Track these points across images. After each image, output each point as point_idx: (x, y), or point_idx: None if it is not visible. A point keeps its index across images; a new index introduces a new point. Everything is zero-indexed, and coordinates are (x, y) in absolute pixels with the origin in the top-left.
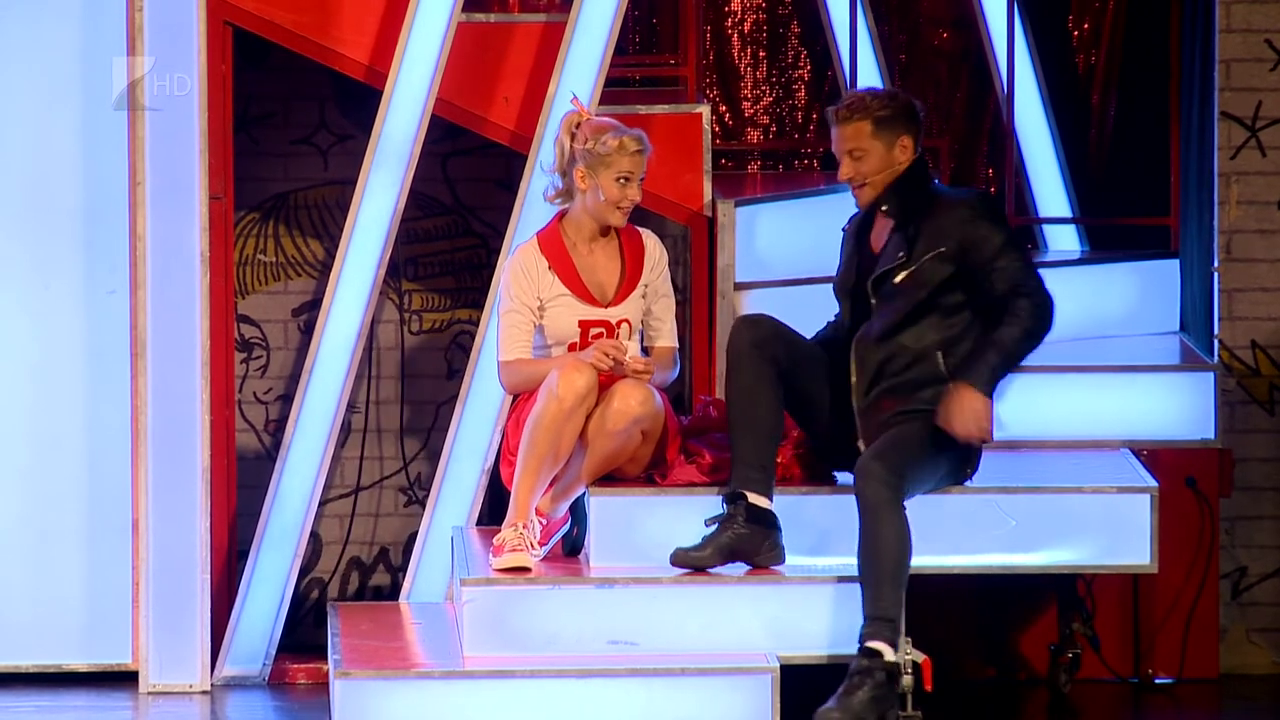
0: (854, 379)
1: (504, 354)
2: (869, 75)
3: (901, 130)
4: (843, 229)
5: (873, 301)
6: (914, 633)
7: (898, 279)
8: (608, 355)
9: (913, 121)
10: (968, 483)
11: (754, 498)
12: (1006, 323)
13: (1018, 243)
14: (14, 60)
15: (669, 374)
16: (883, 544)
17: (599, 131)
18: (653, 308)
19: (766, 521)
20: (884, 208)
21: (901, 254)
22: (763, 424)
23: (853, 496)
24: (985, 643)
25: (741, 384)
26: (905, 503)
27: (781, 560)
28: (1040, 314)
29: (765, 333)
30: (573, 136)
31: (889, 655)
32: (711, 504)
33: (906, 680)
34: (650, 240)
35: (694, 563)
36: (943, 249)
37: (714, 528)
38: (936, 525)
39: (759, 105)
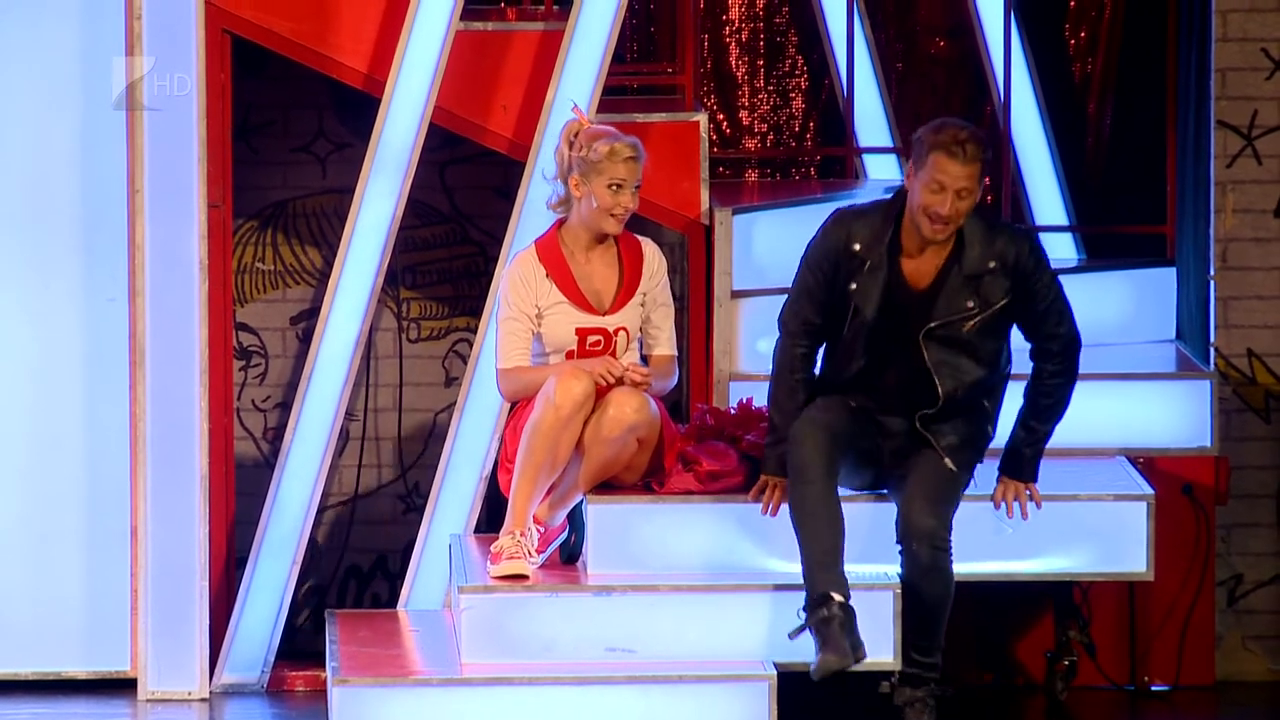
0: (931, 417)
1: (502, 361)
2: (866, 83)
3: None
4: (851, 245)
5: (924, 349)
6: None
7: (966, 328)
8: (610, 373)
9: None
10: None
11: (839, 597)
12: (1046, 397)
13: (1058, 280)
14: (13, 61)
15: (668, 382)
16: (947, 596)
17: (593, 139)
18: (651, 315)
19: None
20: (967, 252)
21: (972, 305)
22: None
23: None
24: (982, 649)
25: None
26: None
27: (865, 656)
28: (1075, 366)
29: (829, 433)
30: (571, 145)
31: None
32: (709, 511)
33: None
34: (649, 248)
35: (842, 666)
36: (1006, 300)
37: (819, 626)
38: None
39: (756, 113)
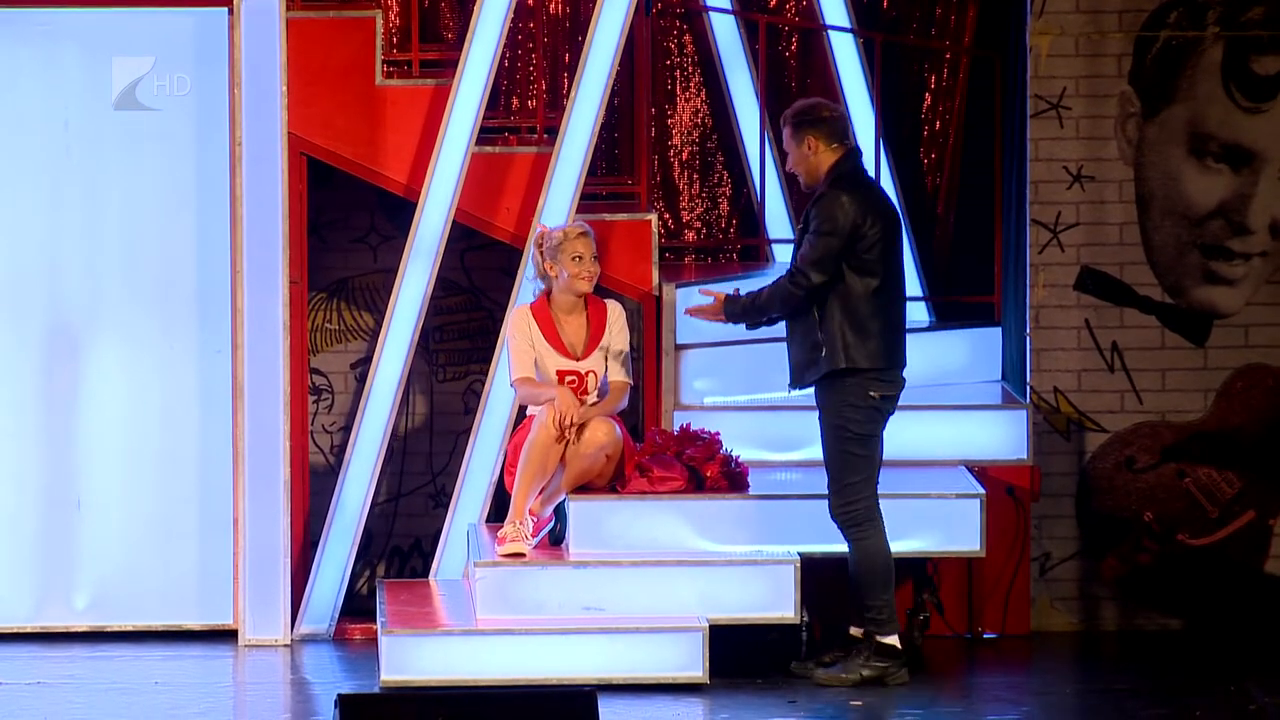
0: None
1: (515, 373)
2: (773, 192)
3: (807, 133)
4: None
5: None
6: (811, 601)
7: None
8: (566, 416)
9: (816, 125)
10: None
11: (883, 639)
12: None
13: (828, 233)
14: (148, 180)
15: (621, 402)
16: (859, 569)
17: (552, 233)
18: (610, 353)
19: (892, 655)
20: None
21: (800, 227)
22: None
23: (755, 500)
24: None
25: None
26: (858, 509)
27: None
28: (781, 282)
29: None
30: (540, 245)
31: (883, 640)
32: (658, 507)
33: (804, 636)
34: (612, 307)
35: (834, 682)
36: (801, 226)
37: (850, 656)
38: (827, 525)
39: (693, 214)
